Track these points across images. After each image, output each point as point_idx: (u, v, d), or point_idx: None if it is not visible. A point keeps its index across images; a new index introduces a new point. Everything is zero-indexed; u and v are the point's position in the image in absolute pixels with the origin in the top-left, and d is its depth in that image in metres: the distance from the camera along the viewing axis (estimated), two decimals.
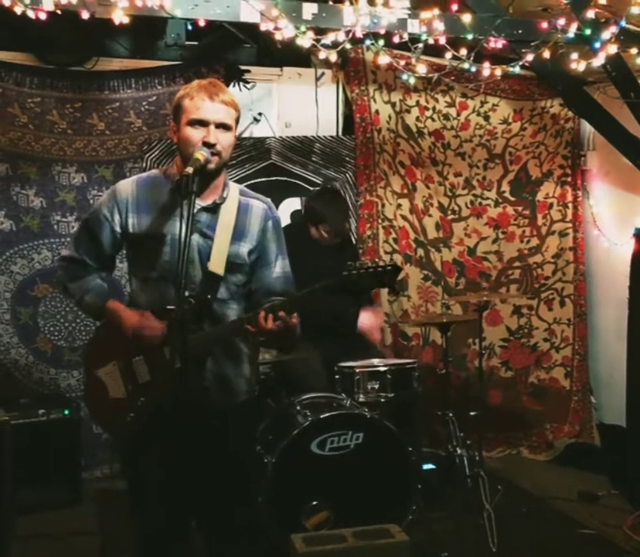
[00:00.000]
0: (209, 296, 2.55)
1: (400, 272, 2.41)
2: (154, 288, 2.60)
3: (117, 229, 2.62)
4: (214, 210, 2.60)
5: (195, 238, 2.55)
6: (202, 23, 3.94)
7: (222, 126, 2.50)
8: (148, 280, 2.62)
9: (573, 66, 4.23)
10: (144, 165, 4.99)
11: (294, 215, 5.31)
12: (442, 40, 4.12)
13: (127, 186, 2.65)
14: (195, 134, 2.48)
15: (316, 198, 4.66)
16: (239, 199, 2.67)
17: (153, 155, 5.02)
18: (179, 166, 2.58)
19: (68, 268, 2.73)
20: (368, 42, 4.10)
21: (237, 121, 2.59)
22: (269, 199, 2.78)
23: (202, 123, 2.48)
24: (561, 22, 4.09)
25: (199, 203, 2.56)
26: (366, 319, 4.48)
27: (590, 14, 3.99)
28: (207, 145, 2.46)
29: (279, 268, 2.72)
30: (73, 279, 2.70)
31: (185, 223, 2.24)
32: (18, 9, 3.54)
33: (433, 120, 5.52)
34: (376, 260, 2.39)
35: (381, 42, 4.10)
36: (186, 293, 2.45)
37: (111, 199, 2.63)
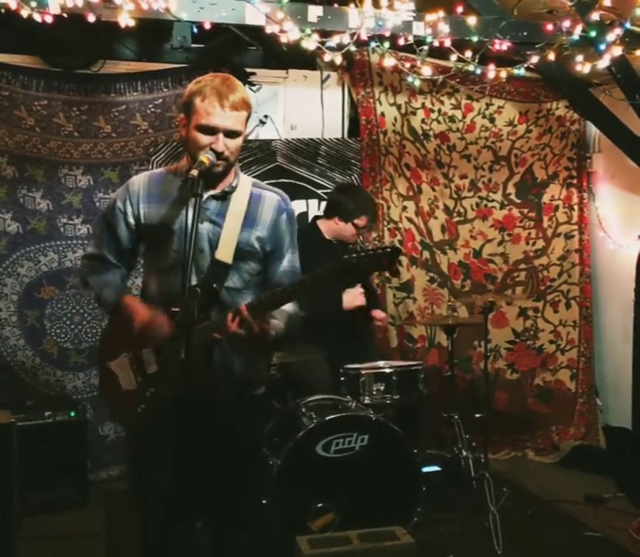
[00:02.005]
0: (214, 285, 2.55)
1: (399, 254, 2.39)
2: (164, 278, 2.61)
3: (131, 221, 2.64)
4: (224, 197, 2.61)
5: (205, 227, 2.56)
6: (207, 26, 3.93)
7: (231, 133, 2.50)
8: (158, 270, 2.64)
9: (578, 68, 4.22)
10: (150, 167, 5.00)
11: (301, 218, 5.29)
12: (447, 42, 4.12)
13: (140, 179, 2.68)
14: (203, 139, 2.48)
15: (345, 192, 4.60)
16: (251, 189, 2.68)
17: (159, 158, 5.03)
18: (189, 162, 2.59)
19: (89, 265, 2.77)
20: (373, 44, 4.10)
21: (248, 119, 2.57)
22: (283, 192, 2.77)
23: (212, 130, 2.47)
24: (566, 24, 4.08)
25: (208, 191, 2.57)
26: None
27: (595, 16, 3.98)
28: (214, 151, 2.47)
29: (287, 261, 2.72)
30: (93, 273, 2.74)
31: (192, 220, 2.26)
32: (25, 12, 3.54)
33: (438, 122, 5.52)
34: (376, 242, 2.39)
35: (386, 44, 4.09)
36: (194, 283, 2.47)
37: (125, 192, 2.66)
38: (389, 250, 2.32)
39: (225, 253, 2.57)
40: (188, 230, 2.26)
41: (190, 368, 2.20)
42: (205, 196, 2.54)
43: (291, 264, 2.73)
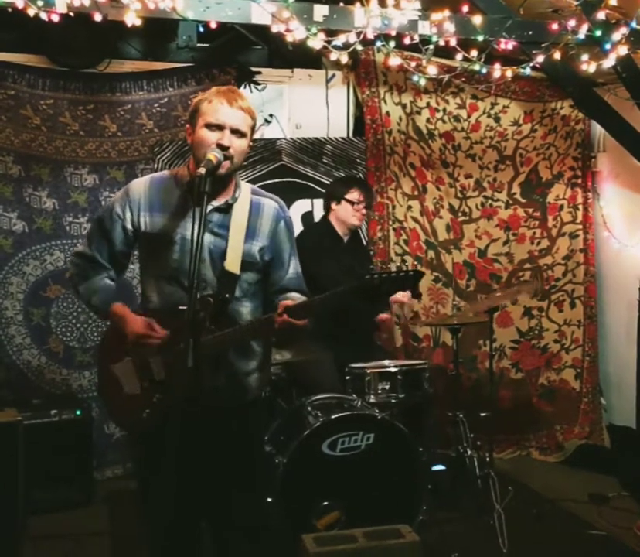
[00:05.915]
0: (228, 295, 2.56)
1: (422, 277, 2.41)
2: (164, 288, 2.62)
3: (129, 227, 2.64)
4: (226, 210, 2.62)
5: (207, 238, 2.56)
6: (213, 25, 3.95)
7: (237, 132, 2.51)
8: (158, 279, 2.63)
9: (584, 67, 4.23)
10: (155, 166, 5.01)
11: (306, 218, 5.31)
12: (453, 42, 4.13)
13: (140, 185, 2.67)
14: (210, 136, 2.49)
15: (334, 180, 5.02)
16: (251, 198, 2.68)
17: (164, 157, 5.04)
18: (192, 168, 2.59)
19: (79, 266, 2.74)
20: (379, 43, 4.11)
21: (253, 129, 2.60)
22: (280, 199, 2.79)
23: (219, 127, 2.49)
24: (572, 23, 4.09)
25: (211, 203, 2.57)
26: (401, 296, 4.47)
27: (601, 15, 3.99)
28: (221, 147, 2.47)
29: (292, 268, 2.75)
30: (83, 279, 2.72)
31: (198, 223, 2.24)
32: (32, 11, 3.56)
33: (443, 121, 5.52)
34: (399, 265, 2.40)
35: (392, 43, 4.11)
36: (198, 293, 2.47)
37: (124, 198, 2.65)
38: (412, 273, 2.34)
39: (233, 264, 2.58)
40: (193, 238, 2.23)
41: (198, 377, 2.19)
42: (209, 208, 2.55)
43: (295, 270, 2.77)
